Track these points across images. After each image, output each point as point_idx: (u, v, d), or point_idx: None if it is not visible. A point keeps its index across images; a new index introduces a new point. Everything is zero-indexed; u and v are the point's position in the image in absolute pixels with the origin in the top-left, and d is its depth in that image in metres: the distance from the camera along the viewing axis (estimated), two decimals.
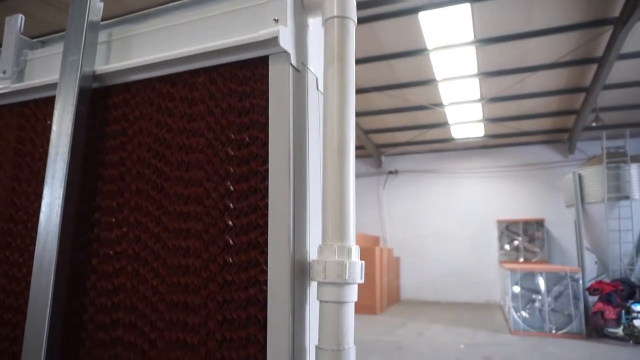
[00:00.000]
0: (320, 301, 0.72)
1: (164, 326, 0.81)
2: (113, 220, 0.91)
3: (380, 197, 14.33)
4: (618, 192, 9.08)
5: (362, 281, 0.73)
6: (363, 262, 0.74)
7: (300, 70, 0.85)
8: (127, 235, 0.89)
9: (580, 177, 9.56)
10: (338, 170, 0.75)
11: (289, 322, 0.70)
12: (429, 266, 13.42)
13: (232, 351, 0.75)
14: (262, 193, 0.77)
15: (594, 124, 10.33)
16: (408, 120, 11.68)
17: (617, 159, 9.32)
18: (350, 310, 0.72)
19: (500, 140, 12.87)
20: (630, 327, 7.85)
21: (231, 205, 0.79)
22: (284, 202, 0.74)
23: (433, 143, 13.27)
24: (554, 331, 8.47)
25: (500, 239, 12.72)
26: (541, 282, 8.79)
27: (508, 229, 12.69)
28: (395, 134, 12.72)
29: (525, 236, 12.44)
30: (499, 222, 12.77)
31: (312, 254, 0.77)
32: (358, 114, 11.32)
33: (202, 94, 0.90)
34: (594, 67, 8.57)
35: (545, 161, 12.82)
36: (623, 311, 7.99)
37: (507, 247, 12.61)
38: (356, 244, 0.75)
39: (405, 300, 13.69)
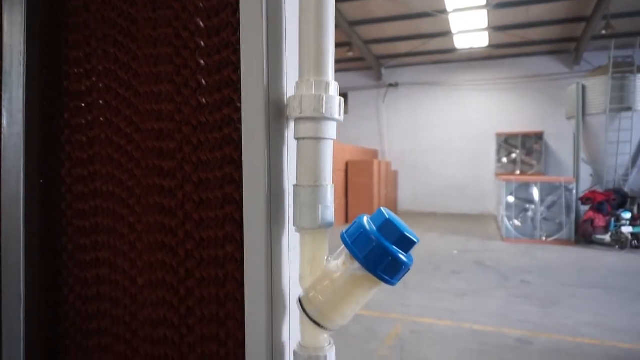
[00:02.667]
0: (297, 139, 0.70)
1: (140, 173, 0.80)
2: (81, 70, 0.86)
3: (380, 110, 14.14)
4: (621, 103, 8.93)
5: (341, 119, 0.70)
6: (342, 98, 0.70)
7: None
8: (97, 86, 0.84)
9: (583, 87, 9.35)
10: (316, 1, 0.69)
11: (265, 161, 0.68)
12: (426, 179, 13.60)
13: (208, 192, 0.74)
14: (234, 27, 0.71)
15: (603, 32, 9.90)
16: (410, 29, 11.17)
17: (623, 68, 9.05)
18: (328, 147, 0.70)
19: (504, 50, 12.42)
20: (617, 233, 8.13)
21: (202, 43, 0.74)
22: (257, 35, 0.68)
23: (435, 54, 12.81)
24: (544, 238, 8.79)
25: (498, 152, 12.76)
26: (535, 192, 8.96)
27: (507, 142, 12.68)
28: (396, 44, 12.23)
29: (523, 149, 12.47)
30: (498, 135, 12.73)
31: (290, 92, 0.73)
32: (357, 23, 10.81)
33: None
34: None
35: (549, 73, 12.47)
36: (612, 219, 8.23)
37: (504, 160, 12.69)
38: (335, 81, 0.71)
39: (402, 212, 14.06)
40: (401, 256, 0.64)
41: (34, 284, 0.86)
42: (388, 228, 0.65)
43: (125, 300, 0.82)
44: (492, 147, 12.91)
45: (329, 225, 0.70)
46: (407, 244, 0.65)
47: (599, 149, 9.36)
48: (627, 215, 8.10)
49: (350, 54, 11.99)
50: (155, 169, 0.78)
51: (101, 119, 0.84)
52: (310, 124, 0.68)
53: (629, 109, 8.93)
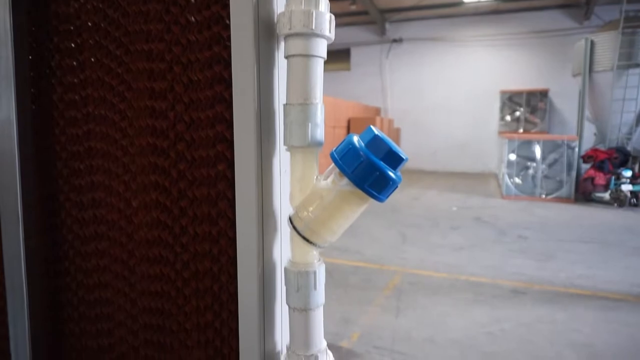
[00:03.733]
0: (287, 57, 0.69)
1: (131, 96, 0.80)
2: (71, 10, 0.84)
3: (383, 66, 13.88)
4: (629, 59, 8.74)
5: (332, 36, 0.69)
6: (332, 15, 0.69)
7: None
8: (86, 24, 0.83)
9: (592, 43, 9.12)
10: None
11: (254, 79, 0.68)
12: (428, 137, 13.53)
13: (199, 112, 0.74)
14: None
15: None
16: None
17: (634, 23, 8.79)
18: (318, 65, 0.69)
19: (512, 4, 12.03)
20: (617, 191, 8.15)
21: None
22: None
23: (441, 8, 12.42)
24: (543, 196, 8.83)
25: (501, 110, 12.61)
26: (537, 150, 8.93)
27: (511, 100, 12.51)
28: None
29: (527, 107, 12.31)
30: (502, 93, 12.54)
31: (280, 10, 0.72)
32: None
33: None
34: None
35: (558, 28, 12.13)
36: (613, 177, 8.23)
37: (508, 118, 12.56)
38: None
39: (403, 170, 13.97)
40: (389, 172, 0.65)
41: (32, 206, 0.88)
42: (376, 144, 0.65)
43: (121, 221, 0.84)
44: (496, 105, 12.75)
45: (318, 144, 0.70)
46: (395, 160, 0.66)
47: (604, 106, 9.24)
48: (628, 173, 8.09)
49: (353, 7, 11.65)
50: (146, 91, 0.78)
51: (90, 41, 0.83)
52: (300, 41, 0.67)
53: (637, 65, 8.74)
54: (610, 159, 8.46)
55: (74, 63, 0.85)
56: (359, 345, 3.26)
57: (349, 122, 11.21)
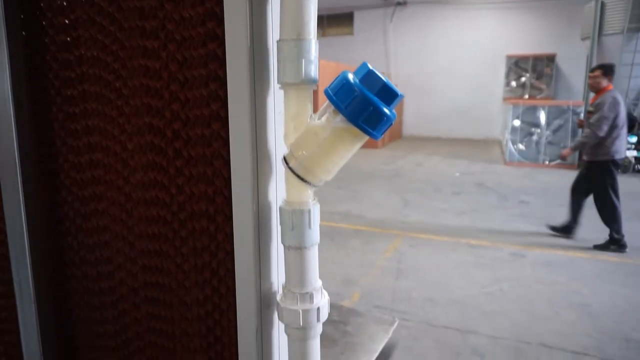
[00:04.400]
0: None
1: (125, 55, 0.78)
2: None
3: (387, 31, 13.59)
4: None
5: None
6: None
7: None
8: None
9: (602, 5, 8.87)
10: None
11: (247, 14, 0.67)
12: (432, 103, 13.39)
13: (192, 50, 0.73)
14: None
15: None
16: None
17: None
18: (312, 1, 0.67)
19: None
20: None
21: None
22: None
23: None
24: (546, 162, 8.80)
25: (507, 75, 12.41)
26: (542, 116, 8.83)
27: (517, 65, 12.29)
28: None
29: (533, 72, 12.11)
30: (509, 58, 12.31)
31: None
32: None
33: None
34: None
35: None
36: None
37: (513, 84, 12.37)
38: None
39: (407, 136, 14.00)
40: (383, 107, 0.64)
41: (29, 153, 0.88)
42: (370, 79, 0.64)
43: (117, 164, 0.84)
44: (502, 70, 12.53)
45: (312, 81, 0.69)
46: (389, 95, 0.65)
47: None
48: (633, 139, 8.03)
49: None
50: (142, 68, 0.76)
51: (86, 35, 0.81)
52: None
53: None
54: None
55: (66, 21, 0.84)
56: (360, 305, 3.33)
57: None
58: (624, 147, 4.41)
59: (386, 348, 2.77)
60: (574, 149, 4.51)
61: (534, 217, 5.52)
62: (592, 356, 2.70)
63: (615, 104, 4.24)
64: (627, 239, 4.51)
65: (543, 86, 12.07)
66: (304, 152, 0.68)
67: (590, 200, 4.64)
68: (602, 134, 4.20)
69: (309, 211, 0.71)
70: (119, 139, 0.84)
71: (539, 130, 8.87)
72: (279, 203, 0.74)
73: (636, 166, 8.01)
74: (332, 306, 3.45)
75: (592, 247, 4.45)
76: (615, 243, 4.39)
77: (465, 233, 4.92)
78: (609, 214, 4.50)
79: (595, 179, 4.47)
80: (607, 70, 4.46)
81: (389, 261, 4.18)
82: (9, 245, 0.94)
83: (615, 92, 4.36)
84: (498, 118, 12.26)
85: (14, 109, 0.85)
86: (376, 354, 2.61)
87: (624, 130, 4.35)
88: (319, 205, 0.74)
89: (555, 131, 8.77)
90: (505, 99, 11.76)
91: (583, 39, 9.69)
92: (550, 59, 11.95)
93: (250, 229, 0.72)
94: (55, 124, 0.90)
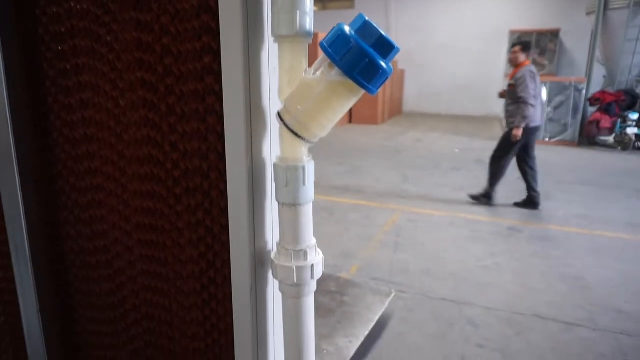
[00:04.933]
0: None
1: (116, 8, 0.76)
2: None
3: (388, 5, 13.33)
4: None
5: None
6: None
7: None
8: None
9: None
10: None
11: None
12: (433, 79, 13.25)
13: (184, 2, 0.71)
14: None
15: None
16: None
17: None
18: None
19: None
20: (622, 134, 8.08)
21: None
22: None
23: None
24: (547, 139, 8.76)
25: (510, 51, 12.22)
26: (544, 92, 8.75)
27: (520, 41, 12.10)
28: None
29: (536, 48, 11.94)
30: (512, 33, 12.11)
31: None
32: None
33: None
34: None
35: None
36: (619, 120, 8.12)
37: None
38: None
39: (407, 112, 13.91)
40: (379, 60, 0.63)
41: (19, 109, 0.87)
42: (366, 30, 0.63)
43: (109, 121, 0.83)
44: (504, 46, 12.34)
45: (307, 34, 0.68)
46: (385, 48, 0.63)
47: (616, 47, 8.94)
48: (634, 116, 7.98)
49: None
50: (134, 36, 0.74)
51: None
52: None
53: None
54: (618, 102, 8.31)
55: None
56: (358, 277, 3.36)
57: None
58: (539, 116, 4.85)
59: (383, 318, 2.82)
60: (519, 125, 4.82)
61: None
62: (584, 327, 2.74)
63: (533, 76, 4.71)
64: (625, 215, 4.53)
65: (546, 62, 11.93)
66: (298, 107, 0.67)
67: (593, 179, 4.64)
68: (532, 102, 4.63)
69: (304, 168, 0.70)
70: (110, 76, 0.82)
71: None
72: (274, 160, 0.74)
73: (636, 143, 7.98)
74: (330, 277, 3.47)
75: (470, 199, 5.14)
76: (530, 202, 4.96)
77: (463, 208, 4.94)
78: (495, 171, 5.05)
79: (505, 140, 4.95)
80: (526, 46, 5.01)
81: (388, 235, 4.21)
82: (4, 209, 0.94)
83: (532, 67, 4.84)
84: None
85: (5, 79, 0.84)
86: (372, 324, 2.65)
87: (539, 100, 4.82)
88: (313, 163, 0.73)
89: (556, 108, 8.71)
90: (507, 75, 11.63)
91: (588, 13, 9.53)
92: (554, 34, 11.78)
93: (245, 186, 0.72)
94: (50, 98, 0.88)
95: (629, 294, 3.12)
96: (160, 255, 0.85)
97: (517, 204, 4.98)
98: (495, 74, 12.53)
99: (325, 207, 4.98)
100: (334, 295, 2.89)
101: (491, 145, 8.55)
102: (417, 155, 7.83)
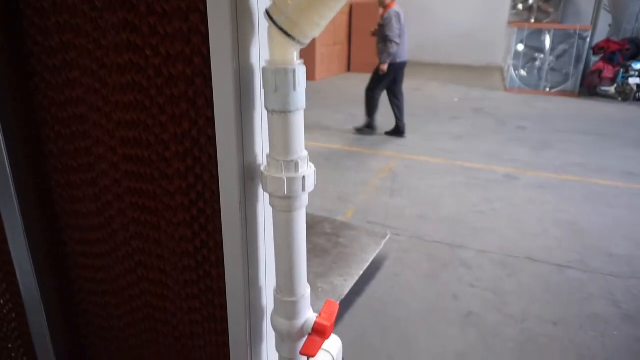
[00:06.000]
0: None
1: None
2: None
3: None
4: None
5: None
6: None
7: None
8: None
9: None
10: None
11: None
12: (433, 27, 12.84)
13: None
14: None
15: None
16: None
17: None
18: None
19: None
20: (623, 85, 7.93)
21: None
22: None
23: None
24: (547, 89, 8.63)
25: None
26: (547, 41, 8.53)
27: None
28: None
29: None
30: None
31: None
32: None
33: None
34: None
35: None
36: (622, 70, 7.96)
37: (520, 6, 11.79)
38: None
39: None
40: None
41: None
42: None
43: (86, 26, 0.77)
44: None
45: None
46: None
47: None
48: (638, 66, 7.81)
49: None
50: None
51: None
52: None
53: None
54: (622, 51, 8.11)
55: None
56: (354, 220, 3.38)
57: (351, 8, 10.56)
58: (405, 52, 5.44)
59: (377, 259, 2.86)
60: (385, 61, 5.25)
61: (529, 141, 5.49)
62: (575, 269, 2.79)
63: (399, 17, 5.28)
64: (620, 164, 4.53)
65: (551, 10, 11.51)
66: (289, 2, 0.62)
67: (591, 129, 4.61)
68: (398, 40, 5.19)
69: (294, 71, 0.66)
70: None
71: (542, 56, 8.60)
72: (262, 64, 0.69)
73: (637, 94, 7.87)
74: (326, 220, 3.46)
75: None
76: (397, 131, 5.68)
77: (460, 156, 4.92)
78: (369, 103, 5.66)
79: (375, 75, 5.50)
80: None
81: (384, 181, 4.20)
82: None
83: (398, 8, 5.38)
84: (501, 44, 11.83)
85: None
86: (367, 264, 2.68)
87: (404, 38, 5.37)
88: (304, 67, 0.69)
89: (559, 57, 8.50)
90: (510, 23, 11.27)
91: None
92: None
93: (231, 91, 0.67)
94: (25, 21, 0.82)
95: (619, 238, 3.16)
96: (145, 171, 0.82)
97: (387, 133, 5.68)
98: (498, 21, 12.14)
99: (321, 153, 4.95)
100: (330, 237, 2.91)
101: (491, 95, 8.46)
102: (415, 104, 7.70)
